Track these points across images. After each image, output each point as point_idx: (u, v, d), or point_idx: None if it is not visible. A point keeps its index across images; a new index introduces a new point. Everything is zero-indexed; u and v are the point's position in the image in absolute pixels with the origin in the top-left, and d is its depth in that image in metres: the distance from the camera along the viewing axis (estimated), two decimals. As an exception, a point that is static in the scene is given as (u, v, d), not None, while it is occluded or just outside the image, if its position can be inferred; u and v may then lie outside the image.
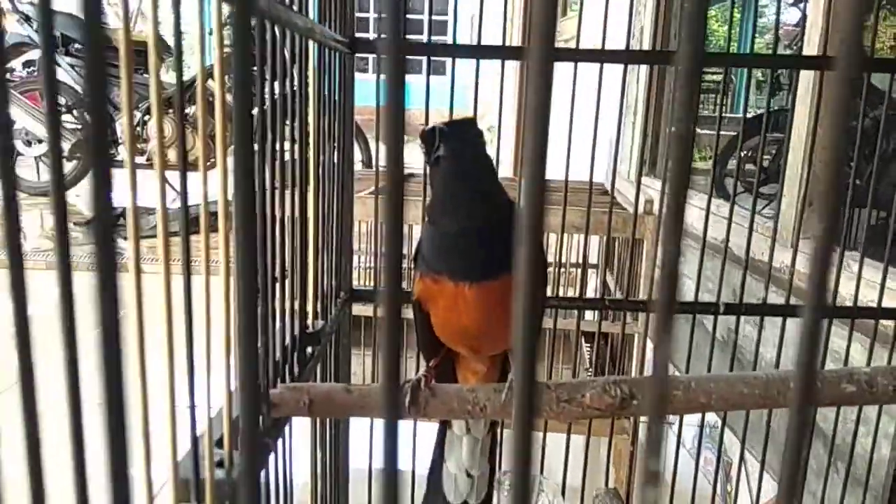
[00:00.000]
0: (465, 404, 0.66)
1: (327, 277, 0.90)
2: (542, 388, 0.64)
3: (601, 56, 1.01)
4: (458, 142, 0.68)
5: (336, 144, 0.95)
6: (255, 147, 0.62)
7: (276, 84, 0.65)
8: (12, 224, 0.28)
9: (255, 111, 0.61)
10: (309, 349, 0.78)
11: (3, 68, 0.29)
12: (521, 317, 0.21)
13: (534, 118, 0.18)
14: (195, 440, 0.45)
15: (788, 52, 3.49)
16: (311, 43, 0.75)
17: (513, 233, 0.71)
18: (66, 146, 5.31)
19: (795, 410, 0.20)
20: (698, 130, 3.85)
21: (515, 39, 4.66)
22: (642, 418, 1.30)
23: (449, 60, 1.09)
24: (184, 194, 0.46)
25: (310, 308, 0.82)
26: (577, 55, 1.01)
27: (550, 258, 1.99)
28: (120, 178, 0.45)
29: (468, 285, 0.68)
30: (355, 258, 1.30)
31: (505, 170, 4.16)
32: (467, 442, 0.85)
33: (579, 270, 1.73)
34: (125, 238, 0.48)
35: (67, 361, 0.29)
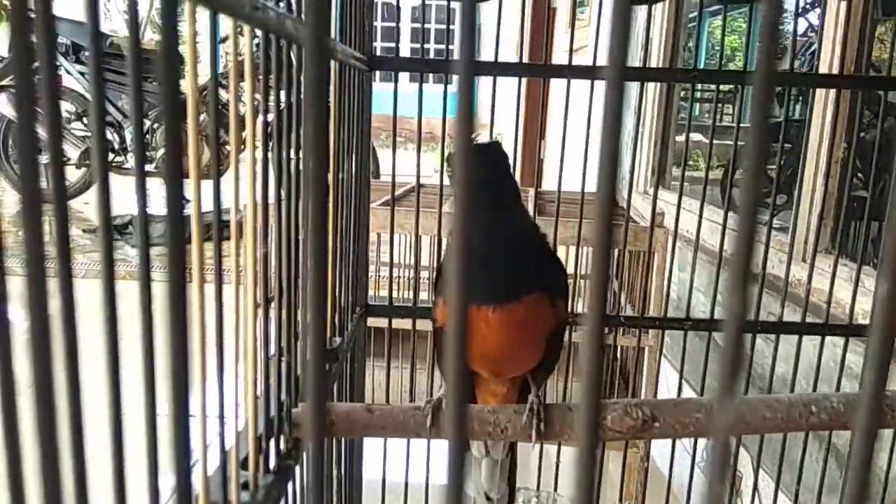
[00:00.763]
0: (485, 425, 0.65)
1: (344, 292, 0.90)
2: (563, 409, 0.63)
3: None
4: (480, 166, 0.68)
5: (353, 158, 0.96)
6: (270, 156, 0.62)
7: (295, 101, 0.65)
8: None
9: (270, 118, 0.61)
10: (327, 366, 0.78)
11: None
12: (589, 345, 0.21)
13: (604, 138, 0.19)
14: (224, 463, 0.45)
15: (797, 62, 3.48)
16: (332, 62, 0.75)
17: (535, 254, 0.71)
18: (76, 154, 5.33)
19: (861, 436, 0.20)
20: (703, 140, 3.85)
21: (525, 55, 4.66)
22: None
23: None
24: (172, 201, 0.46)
25: (328, 324, 0.82)
26: (595, 72, 1.02)
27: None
28: (131, 185, 0.44)
29: (492, 308, 0.68)
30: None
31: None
32: (486, 464, 0.84)
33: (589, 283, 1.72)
34: (133, 246, 0.48)
35: (68, 370, 0.29)
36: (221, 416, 0.43)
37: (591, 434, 0.24)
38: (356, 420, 0.63)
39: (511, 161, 1.18)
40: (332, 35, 0.75)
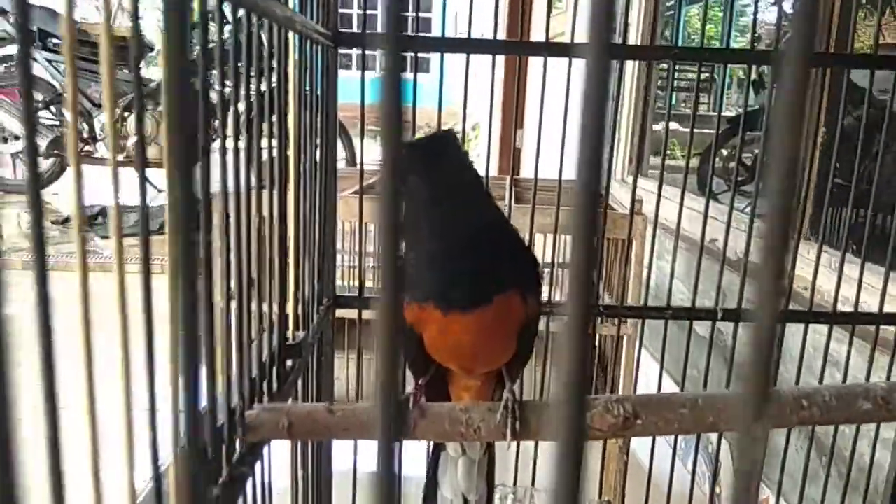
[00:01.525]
0: (457, 425, 0.61)
1: (309, 283, 0.85)
2: (540, 407, 0.59)
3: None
4: (426, 165, 0.63)
5: (319, 142, 0.90)
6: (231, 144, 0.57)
7: (252, 77, 0.60)
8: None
9: (232, 107, 0.57)
10: (289, 362, 0.73)
11: None
12: (571, 345, 0.17)
13: (589, 119, 0.15)
14: (158, 478, 0.40)
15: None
16: (291, 34, 0.70)
17: (504, 248, 0.65)
18: (42, 143, 5.18)
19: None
20: (680, 128, 3.83)
21: (501, 34, 4.61)
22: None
23: (435, 58, 1.04)
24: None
25: (290, 317, 0.77)
26: (572, 50, 0.97)
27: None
28: (100, 175, 0.41)
29: (460, 311, 0.63)
30: (338, 258, 1.26)
31: (492, 170, 4.09)
32: (463, 464, 0.80)
33: (566, 271, 1.69)
34: (103, 237, 0.44)
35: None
36: (153, 424, 0.38)
37: (576, 436, 0.20)
38: (317, 421, 0.59)
39: (486, 150, 1.13)
40: (290, 5, 0.69)
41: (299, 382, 0.78)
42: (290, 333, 0.75)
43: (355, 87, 1.03)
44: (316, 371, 0.86)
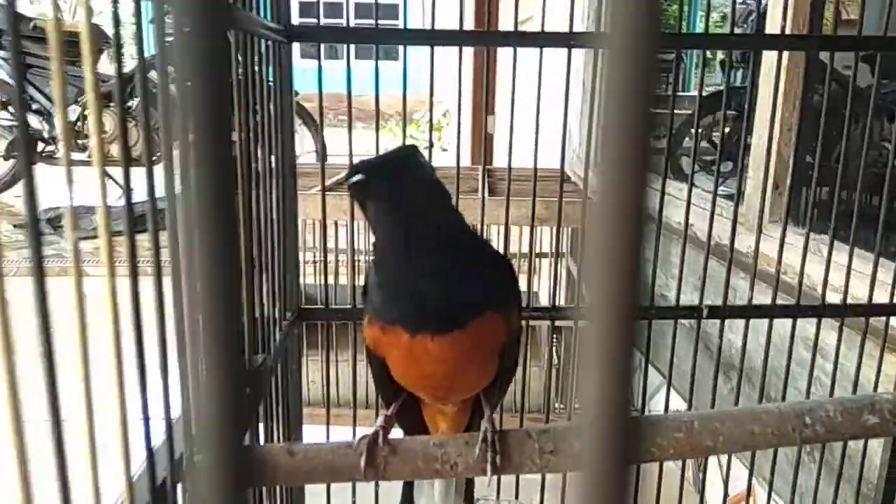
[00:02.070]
0: (432, 462, 0.55)
1: (268, 300, 0.79)
2: (522, 436, 0.54)
3: (569, 40, 0.91)
4: (391, 182, 0.58)
5: (274, 143, 0.84)
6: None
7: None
8: None
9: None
10: (247, 390, 0.67)
11: None
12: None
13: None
14: None
15: (738, 29, 3.44)
16: (235, 33, 0.63)
17: (478, 263, 0.59)
18: (2, 145, 4.99)
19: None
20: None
21: (468, 22, 4.53)
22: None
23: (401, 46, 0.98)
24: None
25: (245, 339, 0.71)
26: (544, 40, 0.92)
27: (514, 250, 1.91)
28: (62, 176, 0.41)
29: (430, 337, 0.57)
30: (304, 254, 1.19)
31: (464, 158, 4.04)
32: (440, 484, 0.74)
33: (548, 261, 1.64)
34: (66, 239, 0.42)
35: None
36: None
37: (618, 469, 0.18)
38: (276, 466, 0.53)
39: (457, 140, 1.08)
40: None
41: (260, 409, 0.72)
42: (245, 358, 0.69)
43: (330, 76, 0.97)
44: (281, 398, 0.80)
